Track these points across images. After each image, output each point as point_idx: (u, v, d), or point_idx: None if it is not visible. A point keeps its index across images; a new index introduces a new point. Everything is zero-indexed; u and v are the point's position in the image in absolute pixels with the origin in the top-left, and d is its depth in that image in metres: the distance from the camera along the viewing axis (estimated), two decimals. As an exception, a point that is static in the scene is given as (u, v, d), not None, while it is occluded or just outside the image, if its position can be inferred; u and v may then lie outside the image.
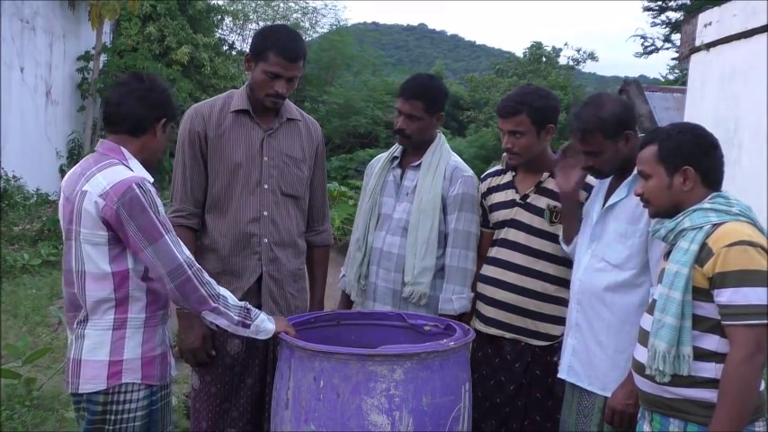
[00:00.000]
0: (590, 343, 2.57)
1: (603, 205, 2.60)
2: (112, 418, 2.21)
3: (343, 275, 3.18)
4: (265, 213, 2.82)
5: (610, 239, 2.55)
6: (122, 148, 2.27)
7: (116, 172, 2.18)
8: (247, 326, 2.30)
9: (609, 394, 2.48)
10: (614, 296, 2.51)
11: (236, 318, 2.28)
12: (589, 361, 2.57)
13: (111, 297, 2.19)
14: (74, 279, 2.21)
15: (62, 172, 13.46)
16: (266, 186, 2.83)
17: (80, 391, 2.21)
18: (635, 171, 2.49)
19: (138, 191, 2.14)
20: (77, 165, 2.31)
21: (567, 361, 2.64)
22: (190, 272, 2.19)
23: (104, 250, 2.17)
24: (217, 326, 2.31)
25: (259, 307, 2.81)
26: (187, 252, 2.22)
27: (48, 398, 4.32)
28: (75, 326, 2.24)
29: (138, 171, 2.24)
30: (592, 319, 2.57)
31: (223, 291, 2.29)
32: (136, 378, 2.22)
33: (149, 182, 2.23)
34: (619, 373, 2.47)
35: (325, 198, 3.11)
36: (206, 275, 2.25)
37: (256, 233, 2.81)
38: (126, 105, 2.28)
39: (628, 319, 2.48)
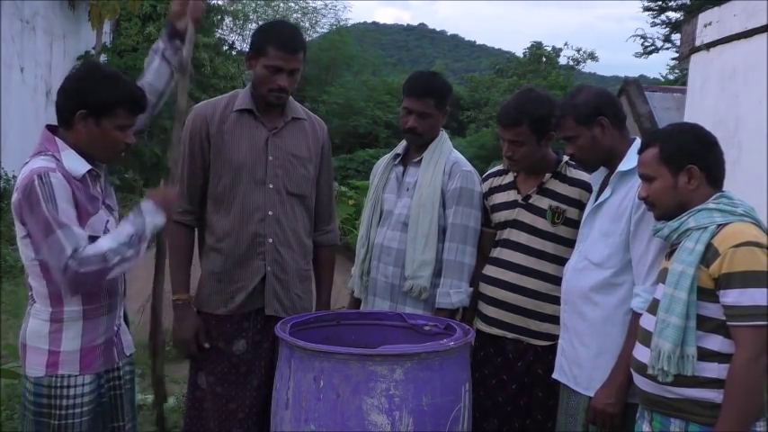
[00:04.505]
0: (575, 343, 2.58)
1: (594, 204, 2.62)
2: (59, 404, 2.21)
3: (352, 275, 3.20)
4: (270, 213, 2.82)
5: (594, 238, 2.56)
6: (57, 138, 2.23)
7: (30, 164, 2.15)
8: (144, 241, 2.24)
9: (593, 394, 2.49)
10: (596, 296, 2.52)
11: (135, 252, 2.20)
12: (575, 361, 2.58)
13: (45, 290, 2.21)
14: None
15: (62, 172, 13.44)
16: (271, 186, 2.83)
17: (27, 374, 2.24)
18: (618, 169, 2.51)
19: (36, 182, 2.08)
20: None
21: (558, 361, 2.66)
22: (74, 267, 2.08)
23: (28, 242, 2.19)
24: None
25: (263, 308, 2.82)
26: (80, 240, 2.11)
27: (48, 398, 4.32)
28: (27, 308, 2.29)
29: (67, 161, 2.19)
30: (575, 319, 2.58)
31: (106, 243, 2.16)
32: (73, 370, 2.23)
33: (58, 172, 2.13)
34: (601, 373, 2.47)
35: (331, 197, 3.10)
36: (86, 253, 2.11)
37: (261, 233, 2.81)
38: (57, 97, 2.26)
39: (610, 319, 2.49)
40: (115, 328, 2.38)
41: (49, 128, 2.28)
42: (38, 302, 2.24)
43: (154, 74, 2.56)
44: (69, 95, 2.22)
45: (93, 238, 2.21)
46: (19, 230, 2.20)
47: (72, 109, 2.20)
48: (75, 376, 2.24)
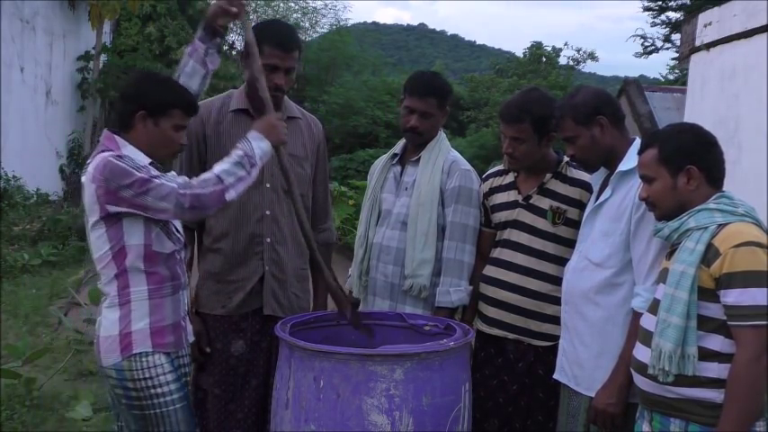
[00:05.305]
0: (576, 343, 2.58)
1: (594, 204, 2.62)
2: (145, 394, 2.30)
3: (350, 275, 3.19)
4: (268, 213, 2.82)
5: (595, 238, 2.56)
6: (116, 136, 2.36)
7: (99, 157, 2.28)
8: (255, 165, 2.37)
9: (594, 394, 2.49)
10: (597, 296, 2.51)
11: (247, 173, 2.34)
12: (576, 361, 2.58)
13: (113, 275, 2.32)
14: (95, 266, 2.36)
15: (62, 172, 13.47)
16: (268, 185, 2.82)
17: (103, 365, 2.33)
18: (618, 169, 2.52)
19: (114, 160, 2.23)
20: None
21: (559, 361, 2.66)
22: (189, 191, 2.24)
23: (102, 232, 2.29)
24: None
25: (261, 308, 2.82)
26: (179, 179, 2.28)
27: (48, 398, 4.32)
28: (100, 306, 2.40)
29: (130, 155, 2.31)
30: (576, 319, 2.58)
31: (217, 167, 2.32)
32: (146, 347, 2.31)
33: (133, 155, 2.31)
34: (602, 373, 2.47)
35: (327, 195, 3.11)
36: (200, 179, 2.29)
37: (259, 233, 2.81)
38: (116, 103, 2.43)
39: (611, 319, 2.49)
40: (182, 314, 2.45)
41: (110, 131, 2.40)
42: (106, 294, 2.34)
43: (188, 76, 2.55)
44: (129, 99, 2.38)
45: None
46: (93, 222, 2.29)
47: (132, 111, 2.34)
48: (150, 354, 2.31)
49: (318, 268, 2.68)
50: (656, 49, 23.52)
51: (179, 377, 2.38)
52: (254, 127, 2.45)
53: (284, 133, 2.50)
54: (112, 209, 2.25)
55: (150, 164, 2.34)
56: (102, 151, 2.31)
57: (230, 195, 2.31)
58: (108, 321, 2.32)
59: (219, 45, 2.62)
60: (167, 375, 2.33)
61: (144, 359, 2.30)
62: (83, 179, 2.30)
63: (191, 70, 2.55)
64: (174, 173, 2.33)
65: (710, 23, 7.06)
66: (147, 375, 2.30)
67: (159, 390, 2.31)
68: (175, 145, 2.40)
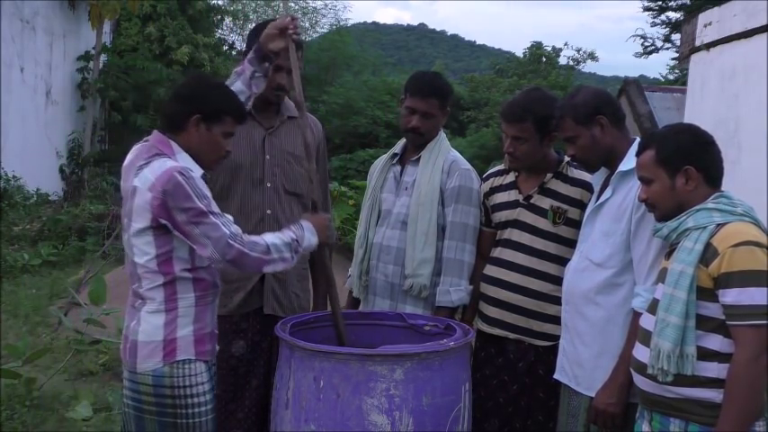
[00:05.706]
0: (576, 343, 2.58)
1: (595, 204, 2.62)
2: (183, 402, 2.26)
3: (350, 275, 3.19)
4: (269, 212, 2.82)
5: (595, 238, 2.56)
6: (171, 141, 2.33)
7: (161, 164, 2.23)
8: (298, 253, 2.39)
9: (594, 394, 2.49)
10: (598, 296, 2.52)
11: (290, 257, 2.36)
12: (576, 361, 2.58)
13: (161, 283, 2.27)
14: (129, 268, 2.33)
15: (62, 172, 13.48)
16: (269, 185, 2.83)
17: (138, 371, 2.27)
18: (619, 169, 2.52)
19: (180, 178, 2.19)
20: (130, 153, 2.35)
21: (559, 361, 2.66)
22: (238, 246, 2.23)
23: (149, 239, 2.24)
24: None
25: (261, 308, 2.82)
26: (233, 228, 2.26)
27: (48, 398, 4.33)
28: (133, 309, 2.33)
29: (184, 164, 2.28)
30: (577, 319, 2.58)
31: (269, 238, 2.32)
32: (190, 354, 2.28)
33: (194, 171, 2.27)
34: (603, 373, 2.48)
35: (327, 195, 3.11)
36: (251, 238, 2.29)
37: (260, 232, 2.80)
38: (166, 103, 2.42)
39: (611, 319, 2.49)
40: (216, 322, 2.44)
41: (160, 132, 2.36)
42: (149, 299, 2.28)
43: None
44: (184, 101, 2.34)
45: None
46: (141, 228, 2.24)
47: (187, 113, 2.31)
48: (193, 362, 2.28)
49: (332, 297, 2.67)
50: (656, 49, 23.51)
51: (212, 387, 2.36)
52: (310, 220, 2.49)
53: (332, 235, 2.55)
54: (162, 221, 2.22)
55: (202, 176, 2.31)
56: (157, 154, 2.27)
57: (267, 269, 2.35)
58: (151, 326, 2.26)
59: (267, 70, 2.65)
60: (205, 385, 2.31)
61: (186, 366, 2.27)
62: (135, 182, 2.24)
63: (236, 89, 2.57)
64: (230, 216, 2.31)
65: (710, 23, 7.06)
66: (187, 383, 2.26)
67: (196, 399, 2.28)
68: (222, 152, 2.38)
